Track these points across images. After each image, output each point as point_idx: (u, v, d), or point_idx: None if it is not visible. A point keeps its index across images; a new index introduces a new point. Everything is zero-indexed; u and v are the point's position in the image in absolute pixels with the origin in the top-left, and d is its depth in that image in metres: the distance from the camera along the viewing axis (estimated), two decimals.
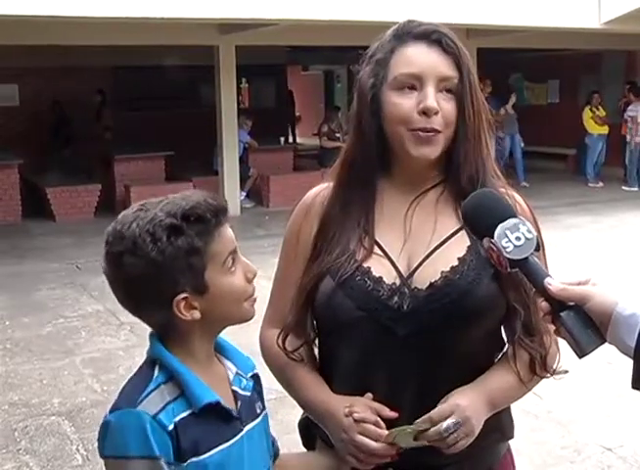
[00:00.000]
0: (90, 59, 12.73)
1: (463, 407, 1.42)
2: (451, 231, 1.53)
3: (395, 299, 1.47)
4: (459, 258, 1.49)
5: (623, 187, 13.28)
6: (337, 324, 1.53)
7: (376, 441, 1.43)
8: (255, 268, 1.40)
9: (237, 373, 1.44)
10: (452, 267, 1.48)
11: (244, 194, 12.06)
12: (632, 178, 13.31)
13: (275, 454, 1.54)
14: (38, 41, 9.85)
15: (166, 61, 13.09)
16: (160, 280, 1.29)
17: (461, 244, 1.51)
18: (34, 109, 14.10)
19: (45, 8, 7.56)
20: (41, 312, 6.56)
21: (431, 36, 1.51)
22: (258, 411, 1.46)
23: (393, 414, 1.46)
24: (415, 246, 1.52)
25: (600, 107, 13.53)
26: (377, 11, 8.21)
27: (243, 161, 12.03)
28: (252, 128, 12.53)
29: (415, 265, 1.50)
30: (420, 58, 1.50)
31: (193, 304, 1.32)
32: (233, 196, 11.26)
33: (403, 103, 1.48)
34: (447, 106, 1.48)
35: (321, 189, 1.64)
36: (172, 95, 15.01)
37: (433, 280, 1.47)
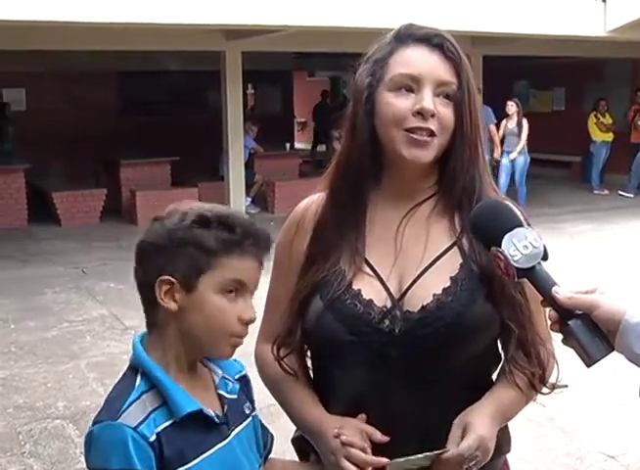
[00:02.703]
0: (97, 64, 12.74)
1: (485, 438, 1.39)
2: (444, 248, 1.48)
3: (387, 322, 1.44)
4: (451, 278, 1.45)
5: (620, 192, 13.15)
6: (327, 346, 1.50)
7: (362, 467, 1.38)
8: (255, 316, 1.35)
9: (223, 377, 1.43)
10: (444, 289, 1.44)
11: (249, 200, 12.07)
12: (632, 185, 13.22)
13: (268, 451, 1.54)
14: (45, 46, 9.87)
15: (173, 66, 13.12)
16: (161, 252, 1.32)
17: (454, 262, 1.47)
18: (41, 113, 14.12)
19: (52, 13, 7.57)
20: (46, 316, 6.56)
21: (432, 40, 1.47)
22: (247, 412, 1.46)
23: (385, 438, 1.42)
24: (406, 264, 1.48)
25: (607, 114, 13.50)
26: (383, 18, 8.20)
27: (248, 166, 12.04)
28: (258, 134, 12.55)
29: (406, 286, 1.46)
30: (419, 60, 1.46)
31: (175, 294, 1.31)
32: (238, 202, 11.27)
33: (398, 103, 1.44)
34: (444, 111, 1.44)
35: (312, 201, 1.59)
36: (178, 100, 15.04)
37: (425, 303, 1.43)
